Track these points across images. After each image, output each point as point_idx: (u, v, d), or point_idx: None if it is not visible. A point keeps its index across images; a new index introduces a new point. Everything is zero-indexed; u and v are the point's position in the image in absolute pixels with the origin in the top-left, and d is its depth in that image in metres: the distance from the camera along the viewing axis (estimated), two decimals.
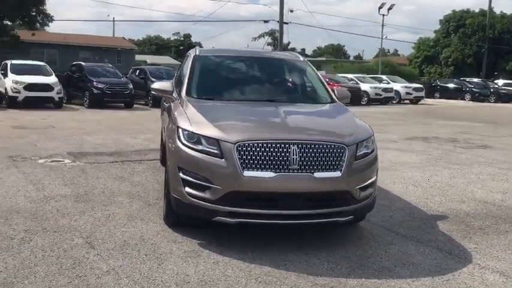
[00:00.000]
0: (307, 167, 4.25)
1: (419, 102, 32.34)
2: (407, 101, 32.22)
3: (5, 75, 19.45)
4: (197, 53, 6.17)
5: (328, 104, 5.65)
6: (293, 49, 41.72)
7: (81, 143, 10.19)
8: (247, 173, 4.17)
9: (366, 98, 29.67)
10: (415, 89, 32.67)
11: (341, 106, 5.53)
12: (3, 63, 20.75)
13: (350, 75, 32.81)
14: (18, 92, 18.56)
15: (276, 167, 4.20)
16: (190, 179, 4.37)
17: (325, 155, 4.31)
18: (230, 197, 4.22)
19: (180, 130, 4.56)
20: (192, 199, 4.36)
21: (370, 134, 4.82)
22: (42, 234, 4.61)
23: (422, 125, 16.86)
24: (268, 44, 37.87)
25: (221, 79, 5.98)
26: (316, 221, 4.43)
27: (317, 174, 4.26)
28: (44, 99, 18.90)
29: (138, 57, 49.98)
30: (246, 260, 4.20)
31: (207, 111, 4.90)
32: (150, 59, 52.19)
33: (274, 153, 4.21)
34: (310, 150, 4.27)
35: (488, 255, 4.59)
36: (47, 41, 40.29)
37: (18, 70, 19.60)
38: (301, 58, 6.50)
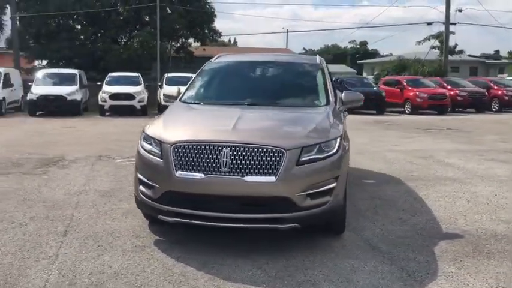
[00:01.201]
0: (238, 170, 4.17)
1: None
2: None
3: (162, 86, 21.94)
4: (211, 60, 6.39)
5: (314, 108, 5.36)
6: (461, 51, 38.21)
7: None
8: (179, 174, 4.26)
9: None
10: None
11: (324, 110, 5.17)
12: (163, 76, 23.41)
13: None
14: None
15: (208, 168, 4.22)
16: (142, 178, 4.63)
17: (259, 158, 4.17)
18: (167, 197, 4.36)
19: (143, 133, 4.86)
20: (143, 197, 4.61)
21: (328, 138, 4.46)
22: (39, 221, 5.30)
23: None
24: (433, 47, 35.37)
25: (216, 84, 6.10)
26: (252, 225, 4.29)
27: (248, 178, 4.15)
28: None
29: None
30: (180, 259, 4.27)
31: (175, 115, 5.13)
32: None
33: (206, 155, 4.23)
34: (244, 153, 4.18)
35: (458, 281, 3.93)
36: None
37: (173, 81, 21.88)
38: (317, 61, 6.22)
